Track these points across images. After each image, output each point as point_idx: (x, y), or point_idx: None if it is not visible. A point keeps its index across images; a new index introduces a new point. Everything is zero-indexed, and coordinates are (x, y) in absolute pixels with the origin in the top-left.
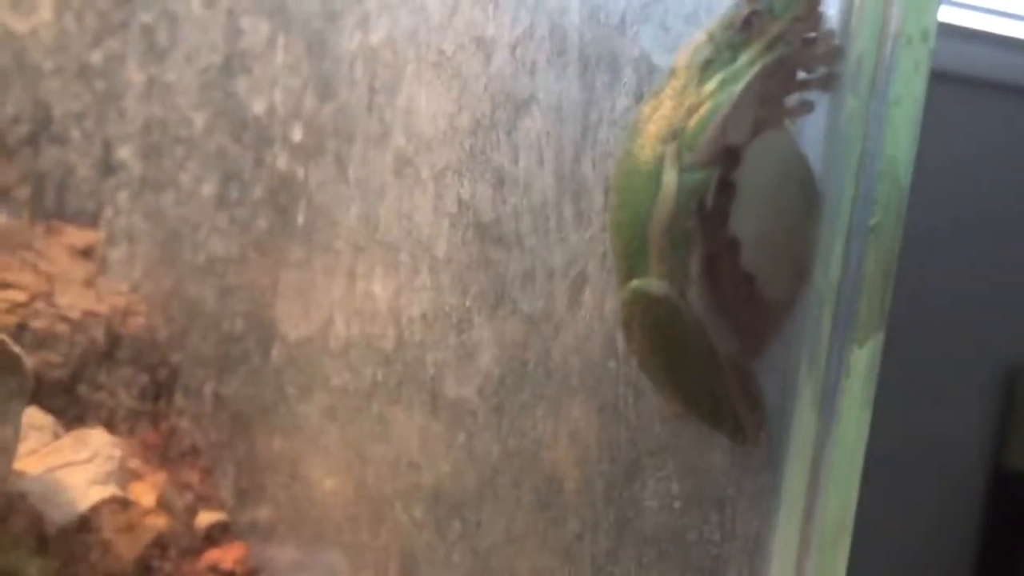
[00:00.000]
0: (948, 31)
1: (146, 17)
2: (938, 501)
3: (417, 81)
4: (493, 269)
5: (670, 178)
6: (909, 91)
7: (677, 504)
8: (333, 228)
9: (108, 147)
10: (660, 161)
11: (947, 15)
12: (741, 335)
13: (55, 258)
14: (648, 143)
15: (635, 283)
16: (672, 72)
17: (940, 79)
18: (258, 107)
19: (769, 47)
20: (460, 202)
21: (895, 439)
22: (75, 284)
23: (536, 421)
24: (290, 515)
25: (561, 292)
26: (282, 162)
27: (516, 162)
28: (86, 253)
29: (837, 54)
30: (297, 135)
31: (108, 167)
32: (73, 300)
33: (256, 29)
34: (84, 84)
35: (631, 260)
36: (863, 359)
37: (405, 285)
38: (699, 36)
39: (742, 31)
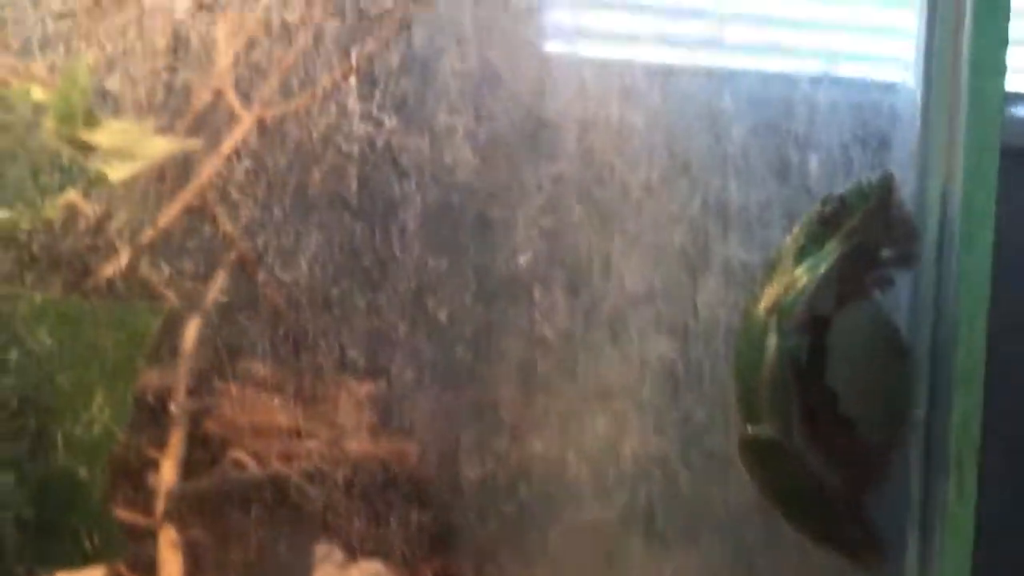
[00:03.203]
0: None
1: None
2: None
3: (624, 252)
4: (685, 414)
5: (772, 342)
6: (975, 263)
7: None
8: (569, 380)
9: (344, 350)
10: (766, 328)
11: None
12: (847, 472)
13: (343, 408)
14: (759, 313)
15: (749, 429)
16: (779, 258)
17: None
18: None
19: (847, 236)
20: (658, 355)
21: None
22: (359, 431)
23: (718, 546)
24: None
25: (734, 436)
26: (525, 324)
27: (696, 319)
28: (367, 403)
29: (912, 236)
30: (549, 298)
31: (344, 362)
32: (358, 445)
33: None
34: (327, 311)
35: (748, 405)
36: (957, 492)
37: (620, 428)
38: (796, 229)
39: (822, 226)
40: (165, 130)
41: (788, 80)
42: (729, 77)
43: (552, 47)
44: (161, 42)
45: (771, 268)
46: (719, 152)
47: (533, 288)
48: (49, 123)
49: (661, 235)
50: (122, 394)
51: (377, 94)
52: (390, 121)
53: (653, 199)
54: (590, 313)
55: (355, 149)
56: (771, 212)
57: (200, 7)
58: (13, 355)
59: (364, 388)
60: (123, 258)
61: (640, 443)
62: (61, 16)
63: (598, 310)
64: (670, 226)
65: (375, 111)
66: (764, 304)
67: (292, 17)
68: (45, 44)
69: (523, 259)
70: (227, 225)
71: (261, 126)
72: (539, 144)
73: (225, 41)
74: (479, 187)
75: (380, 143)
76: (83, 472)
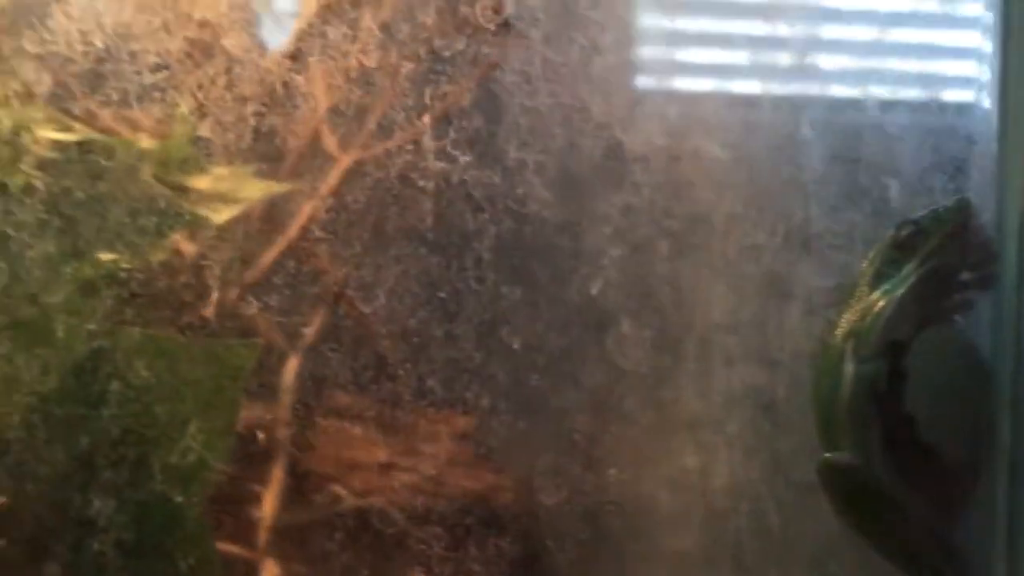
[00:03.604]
0: None
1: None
2: None
3: (711, 281)
4: (771, 445)
5: (849, 368)
6: None
7: None
8: (656, 409)
9: (422, 379)
10: (843, 354)
11: None
12: (930, 499)
13: (440, 441)
14: (836, 339)
15: (827, 455)
16: (857, 283)
17: None
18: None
19: (924, 260)
20: (744, 385)
21: None
22: (455, 464)
23: None
24: None
25: None
26: (613, 353)
27: (781, 349)
28: (464, 437)
29: (990, 258)
30: (625, 328)
31: (422, 391)
32: (454, 479)
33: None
34: (405, 342)
35: (826, 431)
36: None
37: (708, 460)
38: (871, 254)
39: (898, 250)
40: (258, 173)
41: (864, 106)
42: (808, 105)
43: (630, 80)
44: (249, 90)
45: (847, 294)
46: (799, 180)
47: (620, 318)
48: (150, 169)
49: (743, 264)
50: (218, 425)
51: (451, 131)
52: (464, 157)
53: (734, 228)
54: (674, 343)
55: (431, 185)
56: (852, 239)
57: (284, 55)
58: (114, 387)
59: (457, 422)
60: (222, 296)
61: (723, 472)
62: (157, 68)
63: (682, 340)
64: (752, 255)
65: (449, 148)
66: (841, 330)
67: (371, 62)
68: (143, 95)
69: (603, 289)
70: (324, 263)
71: (353, 168)
72: (618, 176)
73: (311, 87)
74: (555, 219)
75: (455, 178)
76: (179, 498)
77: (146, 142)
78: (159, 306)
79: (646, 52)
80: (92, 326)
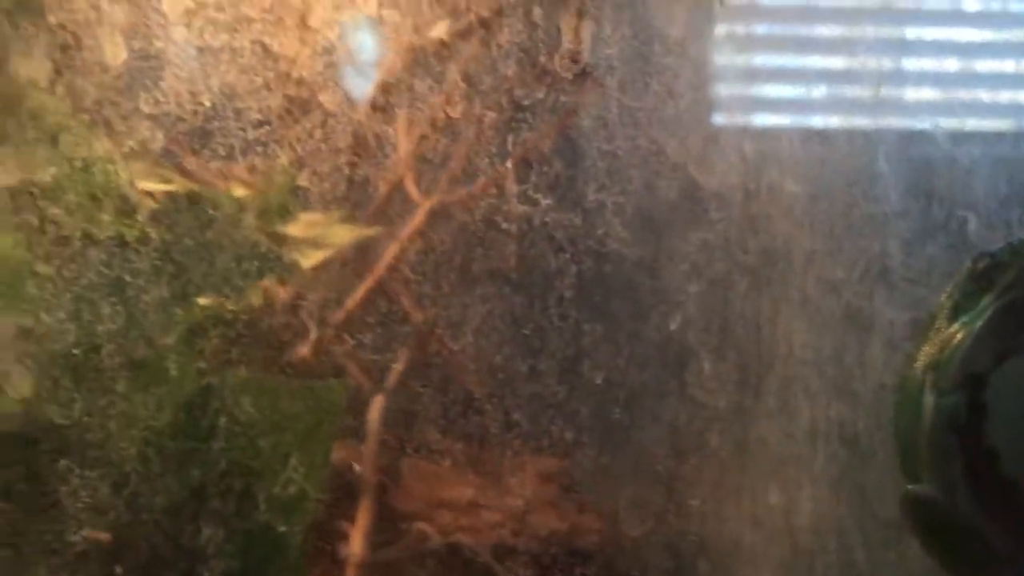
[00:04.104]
0: None
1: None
2: None
3: (790, 316)
4: (856, 480)
5: (928, 400)
6: None
7: None
8: (737, 443)
9: (508, 413)
10: (923, 387)
11: None
12: (1015, 534)
13: (526, 482)
14: (916, 371)
15: (909, 488)
16: (934, 317)
17: None
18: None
19: (1002, 293)
20: (828, 421)
21: None
22: (543, 505)
23: None
24: None
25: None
26: (698, 393)
27: (863, 382)
28: (552, 478)
29: None
30: (704, 363)
31: (508, 424)
32: (541, 519)
33: None
34: (491, 377)
35: (908, 464)
36: None
37: (793, 497)
38: (949, 288)
39: (976, 282)
40: (347, 219)
41: (938, 139)
42: (883, 139)
43: (705, 120)
44: (343, 142)
45: (927, 327)
46: (876, 215)
47: (700, 353)
48: (250, 218)
49: (821, 298)
50: (317, 459)
51: (532, 176)
52: (545, 200)
53: (813, 263)
54: (754, 377)
55: (514, 227)
56: (930, 273)
57: (375, 108)
58: (222, 422)
59: (543, 462)
60: (319, 336)
61: (806, 507)
62: (259, 124)
63: (762, 374)
64: (830, 289)
65: (531, 192)
66: (920, 362)
67: (456, 113)
68: (246, 149)
69: (682, 325)
70: (410, 305)
71: (434, 212)
72: (693, 214)
73: (400, 137)
74: (633, 257)
75: (537, 221)
76: (282, 527)
77: (247, 193)
78: (262, 346)
79: (721, 90)
80: (202, 365)
